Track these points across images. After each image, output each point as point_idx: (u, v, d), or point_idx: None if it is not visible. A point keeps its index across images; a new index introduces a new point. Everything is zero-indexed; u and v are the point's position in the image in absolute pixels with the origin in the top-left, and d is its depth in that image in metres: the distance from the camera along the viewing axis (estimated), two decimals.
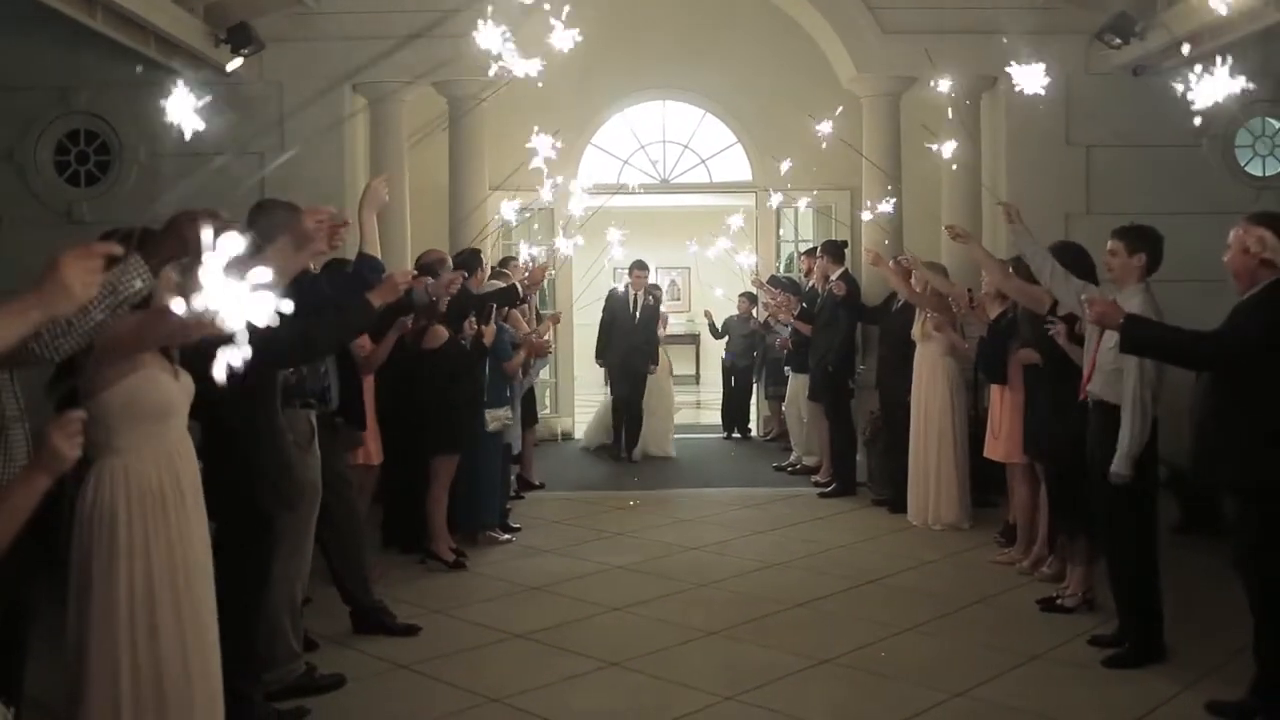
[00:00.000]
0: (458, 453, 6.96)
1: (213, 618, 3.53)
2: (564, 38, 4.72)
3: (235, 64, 8.65)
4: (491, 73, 4.86)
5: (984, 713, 4.72)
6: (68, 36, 8.37)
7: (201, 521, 3.51)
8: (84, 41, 8.25)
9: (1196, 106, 4.09)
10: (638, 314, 10.84)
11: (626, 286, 11.04)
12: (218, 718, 3.54)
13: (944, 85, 6.78)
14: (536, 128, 6.28)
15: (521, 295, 7.71)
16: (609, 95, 11.98)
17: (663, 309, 11.49)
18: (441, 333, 6.76)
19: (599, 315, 11.23)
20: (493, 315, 7.25)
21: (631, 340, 10.78)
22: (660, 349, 11.15)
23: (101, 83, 9.47)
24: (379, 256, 4.79)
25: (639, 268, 10.98)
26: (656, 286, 11.35)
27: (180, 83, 3.31)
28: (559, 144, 6.44)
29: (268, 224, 4.05)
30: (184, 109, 3.22)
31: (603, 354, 11.22)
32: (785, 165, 9.50)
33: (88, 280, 2.28)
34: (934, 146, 7.33)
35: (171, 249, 3.09)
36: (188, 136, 3.28)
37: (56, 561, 3.54)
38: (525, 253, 9.39)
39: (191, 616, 3.40)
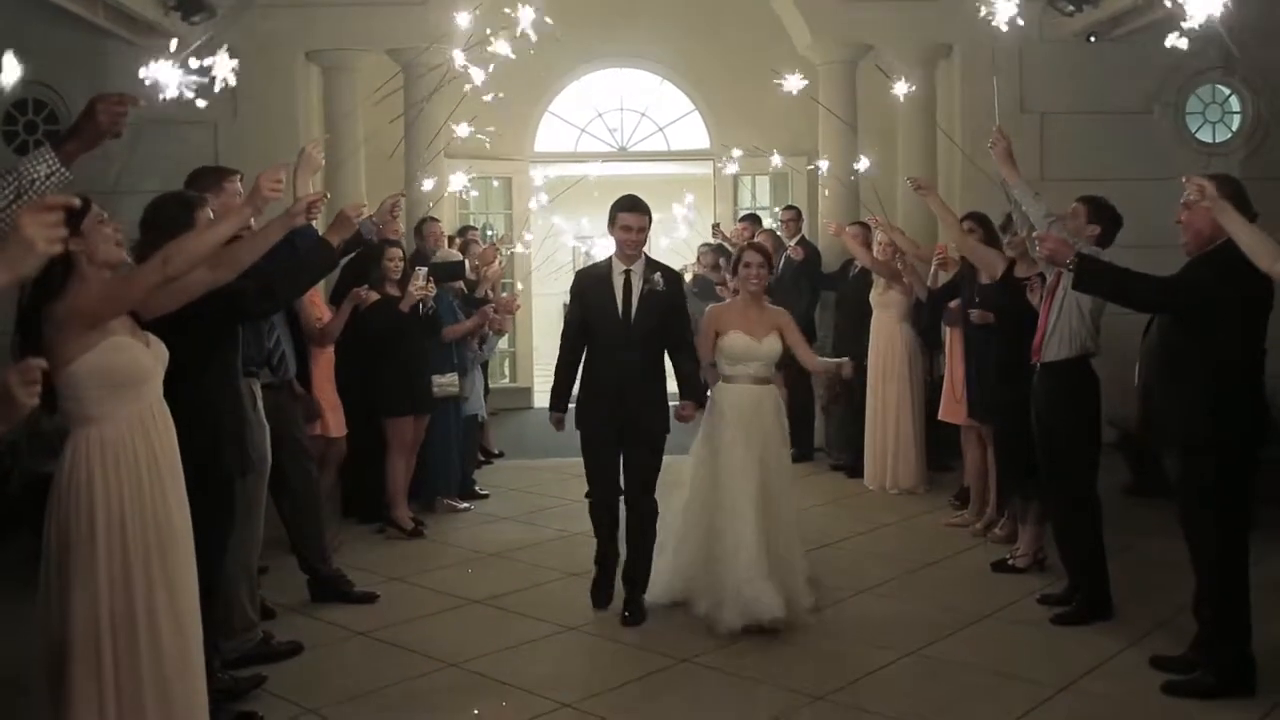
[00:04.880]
0: (408, 414, 6.96)
1: (191, 587, 3.51)
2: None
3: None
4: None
5: (936, 670, 4.81)
6: (14, 4, 8.23)
7: (179, 490, 3.50)
8: (31, 9, 8.11)
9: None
10: (632, 310, 5.44)
11: (609, 260, 5.60)
12: (198, 685, 3.53)
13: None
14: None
15: (467, 273, 7.68)
16: (566, 63, 11.91)
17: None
18: (370, 295, 6.74)
19: (552, 289, 10.61)
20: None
21: (622, 366, 5.43)
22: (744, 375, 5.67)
23: (50, 51, 9.32)
24: (313, 223, 4.82)
25: (626, 209, 5.45)
26: (670, 270, 5.71)
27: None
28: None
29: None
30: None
31: (570, 396, 5.72)
32: (736, 153, 9.50)
33: (49, 235, 2.29)
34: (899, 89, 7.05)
35: (88, 136, 3.10)
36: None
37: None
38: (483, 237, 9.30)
39: (166, 584, 3.39)
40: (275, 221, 4.08)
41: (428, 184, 7.97)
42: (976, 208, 7.35)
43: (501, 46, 5.78)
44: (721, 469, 5.50)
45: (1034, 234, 5.10)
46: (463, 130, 6.63)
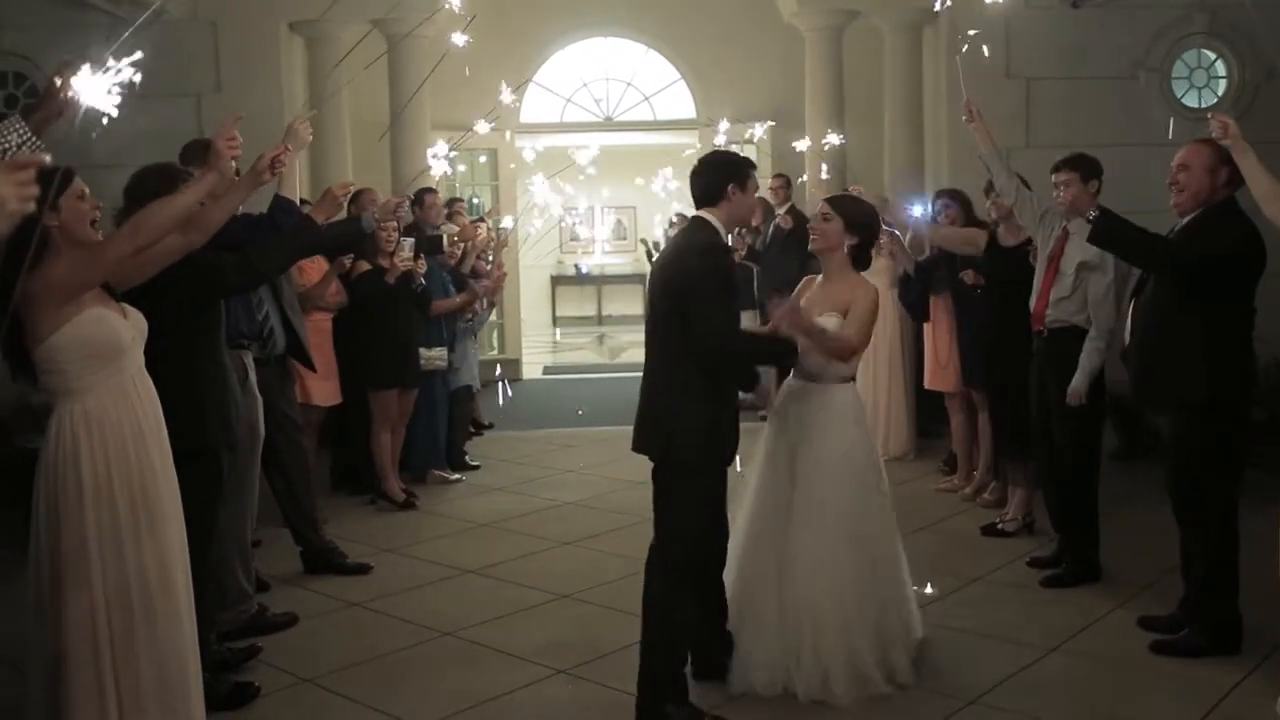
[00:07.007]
0: (392, 388, 6.95)
1: (182, 557, 3.51)
2: None
3: None
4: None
5: (927, 633, 4.82)
6: None
7: (166, 460, 3.50)
8: None
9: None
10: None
11: (714, 229, 4.00)
12: (192, 655, 3.54)
13: None
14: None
15: (445, 249, 7.68)
16: (551, 33, 11.87)
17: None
18: (360, 265, 6.74)
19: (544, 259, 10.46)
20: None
21: None
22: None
23: (28, 23, 9.23)
24: (295, 199, 4.80)
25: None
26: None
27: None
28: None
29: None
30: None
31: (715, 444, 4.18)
32: (723, 126, 9.46)
33: (22, 193, 2.28)
34: None
35: (53, 107, 3.11)
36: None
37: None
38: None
39: (157, 554, 3.39)
40: (242, 180, 4.03)
41: (436, 168, 7.90)
42: (965, 177, 7.35)
43: None
44: (749, 493, 4.45)
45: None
46: (482, 127, 6.52)
